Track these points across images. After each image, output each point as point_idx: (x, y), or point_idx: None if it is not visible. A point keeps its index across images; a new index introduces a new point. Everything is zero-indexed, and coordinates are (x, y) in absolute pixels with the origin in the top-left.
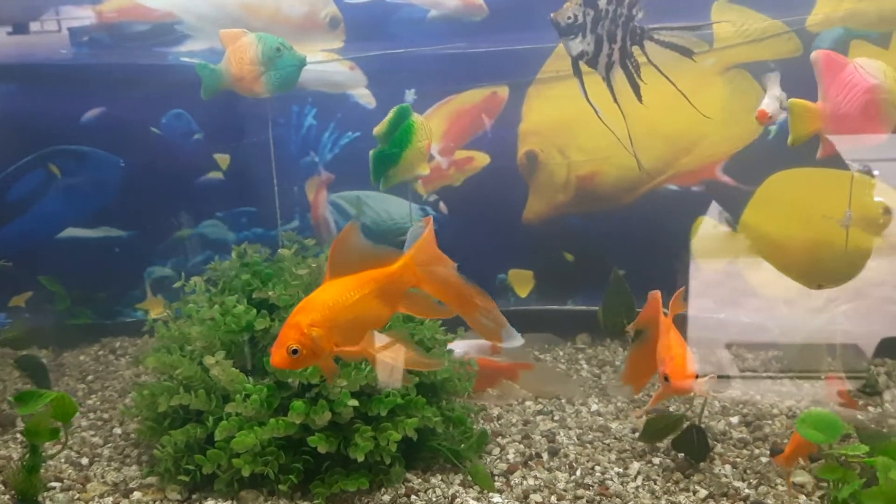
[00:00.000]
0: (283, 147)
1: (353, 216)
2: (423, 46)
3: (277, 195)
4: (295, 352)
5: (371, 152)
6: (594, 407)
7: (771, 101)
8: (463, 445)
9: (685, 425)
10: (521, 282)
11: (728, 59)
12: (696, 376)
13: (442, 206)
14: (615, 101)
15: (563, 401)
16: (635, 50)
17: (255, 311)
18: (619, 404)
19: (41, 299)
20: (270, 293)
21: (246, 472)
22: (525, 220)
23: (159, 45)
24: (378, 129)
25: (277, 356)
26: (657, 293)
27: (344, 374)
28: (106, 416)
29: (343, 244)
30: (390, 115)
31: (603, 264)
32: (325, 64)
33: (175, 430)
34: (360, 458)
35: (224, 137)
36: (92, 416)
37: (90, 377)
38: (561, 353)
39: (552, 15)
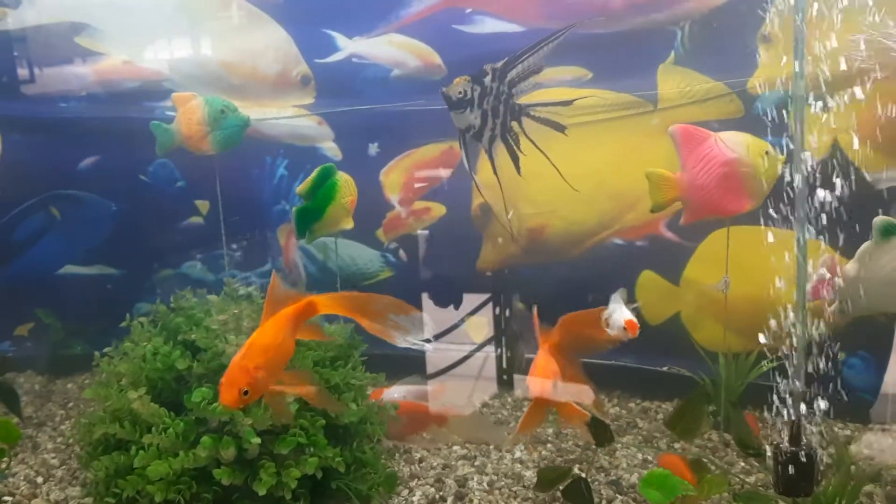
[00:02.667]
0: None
1: (320, 261)
2: (386, 103)
3: (224, 242)
4: (245, 392)
5: (294, 208)
6: (518, 454)
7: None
8: (367, 486)
9: (572, 477)
10: (476, 328)
11: (672, 118)
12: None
13: (402, 253)
14: (495, 173)
15: (490, 447)
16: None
17: (178, 352)
18: (543, 453)
19: (42, 330)
20: (193, 336)
21: (158, 499)
22: (478, 268)
23: (148, 100)
24: (301, 188)
25: (229, 396)
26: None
27: (252, 413)
28: (71, 440)
29: (273, 292)
30: (313, 174)
31: (552, 313)
32: (296, 118)
33: (104, 457)
34: (262, 492)
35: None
36: (59, 440)
37: (70, 404)
38: (510, 400)
39: (444, 90)
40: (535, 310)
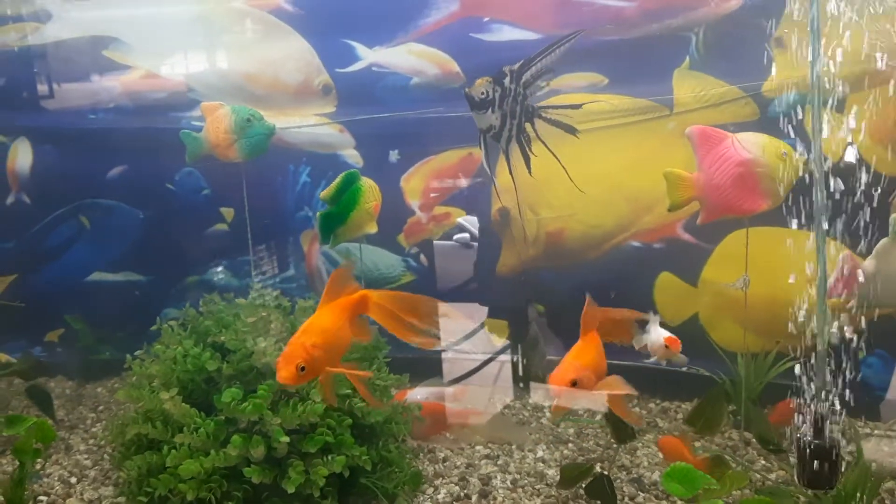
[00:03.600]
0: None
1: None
2: (406, 111)
3: (251, 248)
4: (303, 368)
5: (318, 213)
6: (540, 454)
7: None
8: (393, 484)
9: (595, 473)
10: (496, 331)
11: (688, 122)
12: (574, 383)
13: (422, 257)
14: (510, 172)
15: (513, 447)
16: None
17: (208, 353)
18: (565, 452)
19: (72, 336)
20: (222, 338)
21: (190, 497)
22: (498, 272)
23: (174, 110)
24: (325, 193)
25: (286, 371)
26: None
27: (281, 412)
28: (102, 442)
29: (334, 281)
30: (338, 179)
31: (572, 315)
32: (318, 127)
33: (137, 456)
34: (291, 490)
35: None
36: (91, 441)
37: (101, 407)
38: (531, 401)
39: (467, 90)
40: (587, 297)
